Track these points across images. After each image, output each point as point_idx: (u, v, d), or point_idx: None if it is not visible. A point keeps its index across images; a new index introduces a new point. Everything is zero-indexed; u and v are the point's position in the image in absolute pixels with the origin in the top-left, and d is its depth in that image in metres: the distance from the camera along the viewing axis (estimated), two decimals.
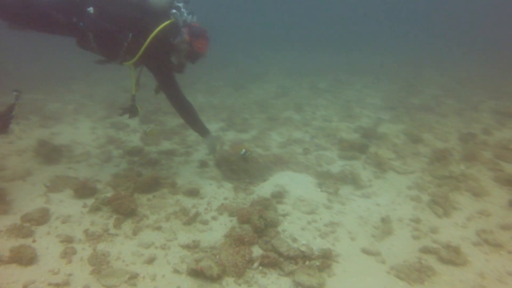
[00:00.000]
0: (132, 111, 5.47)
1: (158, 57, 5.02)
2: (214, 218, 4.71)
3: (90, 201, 4.90)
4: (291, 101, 10.83)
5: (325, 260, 3.95)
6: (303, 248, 4.04)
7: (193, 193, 5.22)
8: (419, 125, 8.50)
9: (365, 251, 4.20)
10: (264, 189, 5.40)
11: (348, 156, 6.65)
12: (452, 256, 3.97)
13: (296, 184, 5.47)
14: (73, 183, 5.29)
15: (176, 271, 3.73)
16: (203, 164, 6.20)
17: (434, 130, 8.20)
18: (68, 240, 4.10)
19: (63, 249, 3.93)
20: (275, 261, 3.90)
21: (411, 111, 9.79)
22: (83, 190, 5.08)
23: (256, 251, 4.08)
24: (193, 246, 4.13)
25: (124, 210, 4.59)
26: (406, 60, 19.11)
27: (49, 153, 6.21)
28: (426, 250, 4.15)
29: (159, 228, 4.43)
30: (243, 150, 5.66)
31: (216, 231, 4.47)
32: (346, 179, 5.83)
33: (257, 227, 4.32)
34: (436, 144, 7.41)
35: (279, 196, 5.15)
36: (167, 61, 5.14)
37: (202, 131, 5.51)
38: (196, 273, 3.65)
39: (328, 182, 5.66)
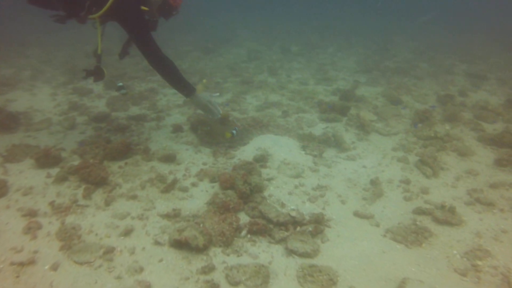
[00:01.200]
0: (97, 73, 4.79)
1: (131, 9, 4.43)
2: (194, 185, 4.35)
3: (54, 171, 4.41)
4: (264, 65, 10.41)
5: (318, 225, 3.70)
6: (293, 214, 3.78)
7: (169, 159, 4.81)
8: (397, 87, 8.34)
9: (358, 214, 3.99)
10: (246, 152, 5.07)
11: (330, 118, 6.39)
12: (447, 216, 3.82)
13: (279, 147, 5.16)
14: (34, 152, 4.75)
15: (157, 242, 3.37)
16: (177, 129, 5.76)
17: (412, 92, 8.07)
18: (32, 213, 3.64)
19: (26, 223, 3.47)
20: (264, 228, 3.61)
21: (387, 74, 9.63)
22: (46, 158, 4.56)
23: (243, 218, 3.78)
24: (173, 215, 3.78)
25: (94, 179, 4.14)
26: (376, 25, 18.92)
27: (4, 120, 5.59)
28: (420, 211, 3.99)
29: (134, 197, 4.03)
30: (234, 131, 5.17)
31: (197, 198, 4.12)
32: (329, 142, 5.58)
33: (242, 193, 4.00)
34: (415, 106, 7.28)
35: (262, 159, 4.83)
36: (141, 15, 4.56)
37: (188, 89, 4.89)
38: (180, 244, 3.31)
39: (311, 144, 5.39)
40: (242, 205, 3.95)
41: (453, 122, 6.30)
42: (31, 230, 3.41)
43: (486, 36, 16.44)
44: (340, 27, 18.21)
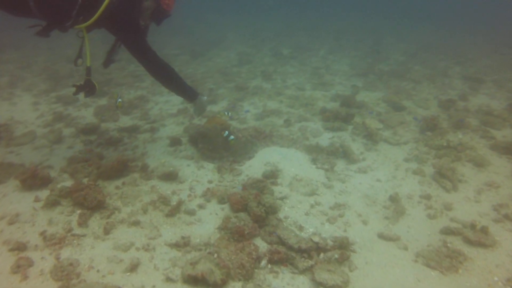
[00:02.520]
0: (88, 87, 4.39)
1: (125, 17, 4.02)
2: (201, 207, 3.95)
3: (43, 194, 3.96)
4: (256, 69, 10.05)
5: (343, 251, 3.37)
6: (316, 239, 3.43)
7: (171, 177, 4.40)
8: (396, 92, 8.11)
9: (383, 236, 3.67)
10: (253, 168, 4.69)
11: (334, 127, 6.07)
12: (480, 237, 3.54)
13: (288, 161, 4.81)
14: (19, 172, 4.27)
15: (168, 279, 2.96)
16: (174, 142, 5.34)
17: (413, 97, 7.85)
18: (20, 247, 3.19)
19: (15, 260, 3.02)
20: (286, 256, 3.26)
21: (383, 77, 9.40)
22: (33, 180, 4.09)
23: (260, 244, 3.41)
24: (183, 244, 3.37)
25: (89, 203, 3.70)
26: (364, 26, 18.80)
27: None
28: (448, 231, 3.70)
29: (136, 223, 3.61)
30: (226, 132, 4.85)
31: (206, 222, 3.72)
32: (337, 153, 5.27)
33: (257, 216, 3.63)
34: (418, 112, 7.05)
35: (272, 176, 4.47)
36: (136, 21, 4.16)
37: (192, 94, 4.65)
38: (195, 280, 2.92)
39: (321, 157, 5.06)
40: (258, 229, 3.58)
41: (461, 129, 6.07)
42: (21, 268, 2.96)
43: (474, 37, 16.54)
44: (328, 27, 18.00)
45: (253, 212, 3.65)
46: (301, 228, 3.72)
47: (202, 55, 11.53)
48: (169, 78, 4.44)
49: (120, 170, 4.39)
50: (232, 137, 4.84)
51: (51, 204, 3.78)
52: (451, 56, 12.19)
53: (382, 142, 5.73)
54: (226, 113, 5.54)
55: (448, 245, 3.52)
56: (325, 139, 5.78)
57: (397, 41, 15.04)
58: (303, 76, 9.46)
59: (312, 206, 4.07)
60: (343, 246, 3.43)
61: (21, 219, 3.58)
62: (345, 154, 5.25)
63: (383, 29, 18.24)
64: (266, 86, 8.51)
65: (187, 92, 4.62)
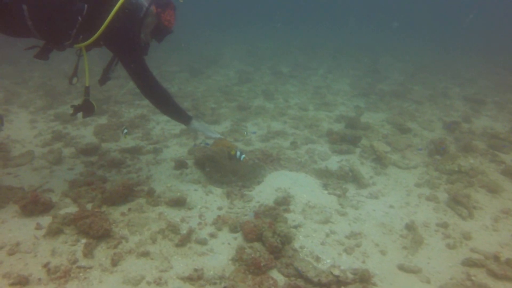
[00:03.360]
0: (86, 108, 4.20)
1: (126, 36, 3.85)
2: (212, 236, 3.76)
3: (45, 221, 3.73)
4: (257, 88, 9.96)
5: (365, 285, 3.21)
6: (336, 272, 3.27)
7: (179, 203, 4.21)
8: (399, 113, 8.06)
9: (403, 269, 3.52)
10: (263, 194, 4.54)
11: (342, 150, 5.96)
12: (505, 270, 3.40)
13: (299, 187, 4.66)
14: (18, 196, 4.06)
15: None
16: (180, 165, 5.17)
17: (417, 119, 7.81)
18: (22, 281, 2.96)
19: None
20: None
21: (385, 98, 9.37)
22: (34, 205, 3.88)
23: (277, 278, 3.23)
24: (196, 278, 3.18)
25: (95, 232, 3.49)
26: (360, 46, 18.94)
27: None
28: (470, 263, 3.56)
29: (146, 254, 3.40)
30: (237, 152, 4.68)
31: (219, 253, 3.54)
32: (347, 177, 5.15)
33: (273, 247, 3.46)
34: (424, 134, 6.99)
35: (284, 202, 4.32)
36: (137, 41, 3.99)
37: (185, 118, 4.38)
38: None
39: (331, 182, 4.93)
40: (274, 261, 3.40)
41: (469, 153, 5.99)
42: None
43: (469, 57, 16.77)
44: (323, 46, 18.08)
45: (268, 243, 3.47)
46: (318, 259, 3.55)
47: (201, 73, 11.43)
48: (164, 102, 4.21)
49: (125, 195, 4.20)
50: (243, 156, 4.69)
51: (54, 232, 3.56)
52: (450, 77, 12.28)
53: (391, 166, 5.63)
54: (245, 133, 5.35)
55: (473, 278, 3.38)
56: (334, 162, 5.65)
57: (394, 61, 15.15)
58: (304, 95, 9.39)
59: (327, 235, 3.91)
60: (364, 280, 3.27)
61: (22, 249, 3.36)
62: (355, 179, 5.13)
63: (379, 48, 18.38)
64: (268, 106, 8.41)
65: (182, 115, 4.37)
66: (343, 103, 8.91)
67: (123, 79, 9.65)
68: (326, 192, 4.69)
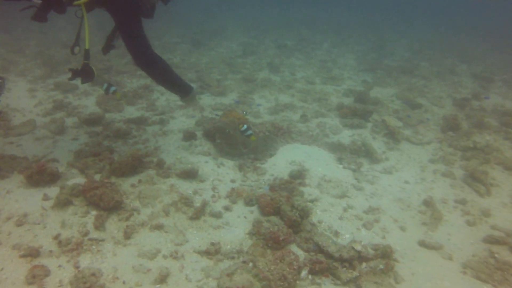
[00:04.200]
0: (86, 73, 3.87)
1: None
2: (227, 209, 3.63)
3: (52, 191, 3.58)
4: (261, 60, 9.70)
5: (388, 260, 3.11)
6: (357, 247, 3.16)
7: (190, 175, 4.06)
8: (408, 88, 7.88)
9: (424, 245, 3.43)
10: (277, 167, 4.39)
11: (354, 125, 5.81)
12: None
13: (314, 160, 4.53)
14: (23, 166, 3.89)
15: None
16: (189, 136, 4.99)
17: (426, 95, 7.64)
18: (33, 253, 2.82)
19: (29, 269, 2.66)
20: (327, 266, 2.98)
21: (392, 73, 9.16)
22: (40, 175, 3.70)
23: (296, 252, 3.12)
24: (214, 252, 3.06)
25: (106, 204, 3.34)
26: (365, 22, 18.55)
27: None
28: (492, 240, 3.48)
29: (159, 227, 3.27)
30: (244, 126, 4.47)
31: (235, 226, 3.41)
32: (359, 152, 5.01)
33: (292, 221, 3.34)
34: (434, 110, 6.84)
35: (299, 176, 4.18)
36: (136, 2, 3.67)
37: (185, 89, 4.15)
38: None
39: (345, 156, 4.79)
40: (293, 235, 3.29)
41: (482, 130, 5.87)
42: (37, 279, 2.61)
43: (474, 36, 16.49)
44: (326, 21, 17.68)
45: (287, 217, 3.35)
46: (336, 234, 3.45)
47: (203, 45, 11.11)
48: (158, 71, 3.95)
49: (134, 166, 4.03)
50: (250, 132, 4.50)
51: (63, 203, 3.40)
52: (456, 54, 12.06)
53: (404, 141, 5.50)
54: (243, 112, 5.17)
55: (496, 255, 3.29)
56: (346, 136, 5.50)
57: (399, 37, 14.83)
58: (311, 69, 9.16)
59: (345, 210, 3.80)
60: (386, 255, 3.17)
61: (30, 220, 3.21)
62: (367, 153, 4.99)
63: (383, 25, 18.02)
64: (274, 78, 8.18)
65: (180, 87, 4.12)
66: (350, 78, 8.71)
67: (123, 48, 9.28)
68: (341, 166, 4.56)
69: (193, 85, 4.35)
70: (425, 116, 6.39)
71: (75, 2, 3.47)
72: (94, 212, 3.34)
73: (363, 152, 5.02)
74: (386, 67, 9.73)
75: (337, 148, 4.96)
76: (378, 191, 4.18)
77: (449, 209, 4.00)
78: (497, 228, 3.70)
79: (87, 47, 3.74)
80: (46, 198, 3.50)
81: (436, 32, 16.89)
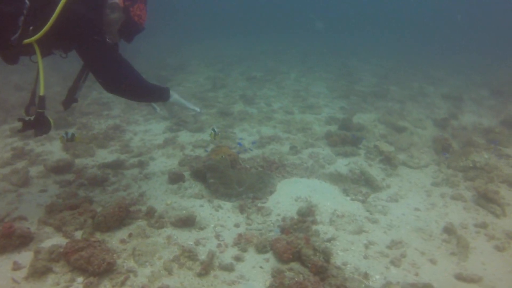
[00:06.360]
0: (40, 124, 3.24)
1: (88, 27, 3.04)
2: (238, 259, 3.14)
3: (23, 258, 2.95)
4: (233, 93, 9.38)
5: None
6: None
7: (187, 222, 3.54)
8: (388, 113, 7.81)
9: (462, 278, 3.08)
10: (282, 205, 3.97)
11: (347, 153, 5.53)
12: None
13: (319, 194, 4.15)
14: None
15: None
16: (175, 177, 4.48)
17: (406, 117, 7.58)
18: None
19: None
20: None
21: (367, 99, 9.12)
22: (8, 239, 3.06)
23: None
24: None
25: (96, 268, 2.76)
26: (328, 49, 18.92)
27: None
28: None
29: None
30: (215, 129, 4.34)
31: (252, 280, 2.92)
32: (359, 181, 4.71)
33: (318, 266, 2.91)
34: (419, 132, 6.74)
35: (309, 213, 3.77)
36: (100, 31, 3.14)
37: (164, 93, 3.57)
38: None
39: (349, 187, 4.47)
40: (321, 283, 2.84)
41: (470, 147, 5.76)
42: None
43: (431, 57, 17.31)
44: (289, 51, 17.87)
45: (312, 262, 2.92)
46: (366, 276, 3.04)
47: (170, 81, 10.69)
48: (157, 95, 3.53)
49: (121, 217, 3.47)
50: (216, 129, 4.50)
51: (40, 272, 2.78)
52: (420, 77, 12.41)
53: (401, 166, 5.28)
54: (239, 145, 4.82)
55: None
56: (341, 166, 5.20)
57: (362, 63, 15.15)
58: (285, 99, 8.94)
59: (366, 247, 3.41)
60: None
61: None
62: (367, 182, 4.70)
63: (343, 51, 18.50)
64: (251, 111, 7.85)
65: (161, 91, 3.56)
66: (327, 105, 8.55)
67: (85, 89, 8.72)
68: (348, 198, 4.21)
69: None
70: (413, 139, 6.25)
71: (26, 40, 2.85)
72: (80, 279, 2.75)
73: (363, 181, 4.72)
74: (359, 93, 9.71)
75: (338, 179, 4.63)
76: (394, 222, 3.85)
77: (472, 234, 3.72)
78: None
79: (41, 93, 3.10)
80: (17, 267, 2.87)
81: (396, 55, 17.54)
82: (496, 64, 15.53)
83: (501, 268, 3.24)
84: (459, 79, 12.49)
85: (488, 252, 3.47)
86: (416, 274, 3.12)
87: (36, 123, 3.21)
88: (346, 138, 5.77)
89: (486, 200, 4.20)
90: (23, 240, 3.14)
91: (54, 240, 3.20)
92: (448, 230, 3.70)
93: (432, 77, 12.42)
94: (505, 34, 27.83)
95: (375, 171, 5.12)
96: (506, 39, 24.83)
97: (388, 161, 5.23)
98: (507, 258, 3.38)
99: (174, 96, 3.67)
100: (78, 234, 3.30)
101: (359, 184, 4.68)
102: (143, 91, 3.42)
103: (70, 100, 3.56)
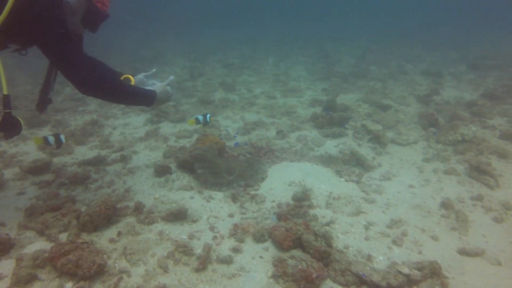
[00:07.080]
0: (9, 125, 2.96)
1: (49, 18, 2.67)
2: (236, 250, 2.99)
3: (4, 266, 2.75)
4: (212, 81, 9.15)
5: (441, 279, 2.66)
6: (405, 270, 2.68)
7: (179, 216, 3.37)
8: (370, 92, 7.75)
9: (465, 253, 3.03)
10: (276, 191, 3.83)
11: (335, 134, 5.44)
12: None
13: (313, 178, 4.03)
14: None
15: None
16: (161, 170, 4.28)
17: (389, 96, 7.54)
18: None
19: None
20: None
21: (348, 79, 9.04)
22: None
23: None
24: None
25: (86, 271, 2.57)
26: (302, 33, 18.80)
27: None
28: None
29: None
30: (205, 116, 4.29)
31: (254, 271, 2.78)
32: (350, 161, 4.62)
33: (321, 252, 2.79)
34: (403, 109, 6.71)
35: (305, 197, 3.65)
36: (62, 24, 2.75)
37: (149, 98, 3.25)
38: None
39: (342, 168, 4.37)
40: (325, 269, 2.73)
41: (457, 121, 5.76)
42: None
43: (404, 36, 17.38)
44: (265, 36, 17.68)
45: (314, 248, 2.80)
46: (369, 258, 2.94)
47: (145, 72, 10.34)
48: (124, 93, 3.13)
49: (109, 216, 3.27)
50: (208, 115, 4.43)
51: (25, 281, 2.58)
52: (396, 55, 12.41)
53: (390, 144, 5.21)
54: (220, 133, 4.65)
55: None
56: (331, 147, 5.10)
57: (337, 46, 15.08)
58: (266, 84, 8.78)
59: (366, 228, 3.32)
60: (436, 273, 2.72)
61: None
62: (358, 162, 4.61)
63: (316, 35, 18.41)
64: (233, 97, 7.67)
65: (143, 97, 3.25)
66: (309, 88, 8.45)
67: (57, 85, 8.33)
68: (342, 179, 4.11)
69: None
70: (399, 116, 6.20)
71: None
72: (70, 285, 2.56)
73: (354, 161, 4.64)
74: (339, 74, 9.63)
75: (329, 161, 4.53)
76: (390, 201, 3.77)
77: (469, 208, 3.69)
78: None
79: (5, 92, 2.80)
80: None
81: (370, 37, 17.54)
82: (469, 38, 15.74)
83: (502, 240, 3.21)
84: (436, 55, 12.58)
85: (487, 224, 3.44)
86: (420, 252, 3.04)
87: (4, 125, 2.93)
88: (333, 119, 5.67)
89: (479, 172, 4.17)
90: (3, 247, 2.92)
91: (38, 245, 2.99)
92: (446, 205, 3.65)
93: (409, 54, 12.47)
94: (477, 8, 28.31)
95: (365, 150, 5.04)
96: (478, 14, 25.25)
97: (377, 139, 5.15)
98: (506, 229, 3.35)
99: (160, 96, 3.36)
100: (63, 237, 3.10)
101: (351, 164, 4.59)
102: (123, 94, 3.13)
103: (43, 101, 3.32)
